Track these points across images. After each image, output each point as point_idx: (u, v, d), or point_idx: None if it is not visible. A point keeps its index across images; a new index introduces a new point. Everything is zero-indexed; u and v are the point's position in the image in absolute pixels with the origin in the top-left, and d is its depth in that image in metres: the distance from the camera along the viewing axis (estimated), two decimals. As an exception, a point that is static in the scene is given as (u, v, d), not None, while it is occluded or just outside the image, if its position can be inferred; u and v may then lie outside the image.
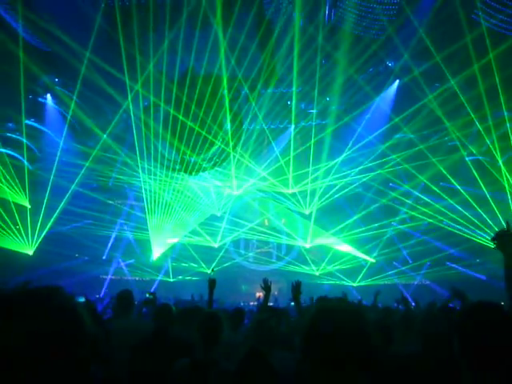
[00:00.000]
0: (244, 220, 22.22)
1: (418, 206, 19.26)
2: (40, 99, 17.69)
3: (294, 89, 15.64)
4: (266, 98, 17.30)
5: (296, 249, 23.71)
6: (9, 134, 17.82)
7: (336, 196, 20.57)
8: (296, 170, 19.49)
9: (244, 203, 22.01)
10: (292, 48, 13.61)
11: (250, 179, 20.01)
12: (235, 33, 12.86)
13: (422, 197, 18.98)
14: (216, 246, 22.38)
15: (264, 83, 15.74)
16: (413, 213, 19.55)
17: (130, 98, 14.37)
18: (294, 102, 17.50)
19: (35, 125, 18.02)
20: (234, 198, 21.17)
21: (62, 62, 14.27)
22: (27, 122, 17.13)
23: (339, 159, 19.14)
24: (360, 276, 22.05)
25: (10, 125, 17.98)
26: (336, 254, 22.78)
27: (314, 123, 18.40)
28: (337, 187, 20.30)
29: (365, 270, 21.97)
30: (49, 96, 17.87)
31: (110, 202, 20.32)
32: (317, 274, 22.84)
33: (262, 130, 18.32)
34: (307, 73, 15.69)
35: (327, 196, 20.59)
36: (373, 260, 21.79)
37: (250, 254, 24.04)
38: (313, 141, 18.06)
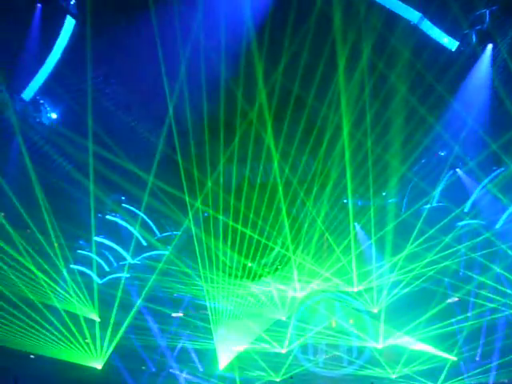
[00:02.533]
0: (310, 323, 21.46)
1: (496, 297, 18.05)
2: (108, 216, 18.87)
3: (349, 191, 15.81)
4: (325, 198, 17.53)
5: (368, 351, 22.32)
6: (80, 251, 18.92)
7: (404, 292, 19.68)
8: (359, 267, 19.08)
9: (308, 306, 21.41)
10: (343, 153, 14.01)
11: (313, 280, 19.67)
12: (286, 144, 13.50)
13: (499, 286, 17.85)
14: (284, 351, 21.53)
15: (319, 186, 16.09)
16: (491, 305, 18.27)
17: (190, 215, 15.07)
18: (350, 200, 17.58)
19: (104, 241, 19.04)
20: (299, 301, 20.70)
21: (127, 182, 15.43)
22: (96, 238, 18.18)
23: (403, 254, 18.63)
24: (442, 377, 20.24)
25: (82, 242, 19.14)
26: (412, 354, 21.19)
27: (372, 220, 18.30)
28: (404, 282, 19.50)
29: (446, 369, 20.20)
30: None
31: (174, 313, 20.44)
32: (393, 376, 21.22)
33: (322, 231, 18.34)
34: (361, 173, 15.95)
35: (395, 293, 19.75)
36: (454, 358, 20.08)
37: (320, 360, 22.81)
38: (374, 238, 17.86)
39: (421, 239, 18.04)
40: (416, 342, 20.52)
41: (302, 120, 13.60)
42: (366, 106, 13.64)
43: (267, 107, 13.13)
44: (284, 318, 21.10)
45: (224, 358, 20.58)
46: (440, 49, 14.09)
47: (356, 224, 18.40)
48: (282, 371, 20.53)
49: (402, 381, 20.98)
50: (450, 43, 13.91)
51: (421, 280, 19.25)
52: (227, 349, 20.54)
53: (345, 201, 18.52)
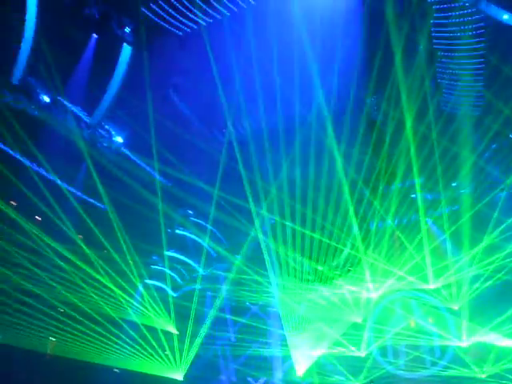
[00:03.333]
0: (387, 325, 20.84)
1: None
2: (177, 231, 19.40)
3: (417, 185, 15.28)
4: (393, 195, 17.09)
5: (451, 350, 21.31)
6: (153, 266, 19.56)
7: (485, 286, 18.67)
8: (434, 263, 18.35)
9: (384, 306, 20.82)
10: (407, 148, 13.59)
11: (387, 280, 19.12)
12: (348, 145, 13.33)
13: None
14: (362, 355, 21.05)
15: (385, 182, 15.70)
16: None
17: (257, 224, 15.19)
18: (418, 195, 16.99)
19: (176, 255, 19.58)
20: (373, 302, 20.20)
21: (193, 197, 15.82)
22: (168, 253, 18.72)
23: (480, 246, 17.70)
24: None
25: (154, 257, 19.79)
26: (501, 351, 20.00)
27: (446, 210, 17.59)
28: (484, 276, 18.51)
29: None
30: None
31: (248, 321, 20.59)
32: (482, 376, 20.10)
33: (392, 228, 17.85)
34: (428, 166, 15.40)
35: (476, 287, 18.78)
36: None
37: (401, 362, 22.07)
38: (448, 231, 17.15)
39: (498, 229, 17.10)
40: (504, 339, 19.38)
41: (362, 118, 13.32)
42: (427, 97, 13.15)
43: (326, 108, 13.01)
44: (359, 321, 20.65)
45: (301, 364, 20.42)
46: (502, 28, 13.35)
47: (428, 219, 17.74)
48: (362, 375, 20.06)
49: (492, 381, 19.85)
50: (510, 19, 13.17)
51: (503, 272, 18.24)
52: (304, 355, 20.38)
53: (413, 196, 17.94)
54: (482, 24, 13.48)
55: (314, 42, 12.34)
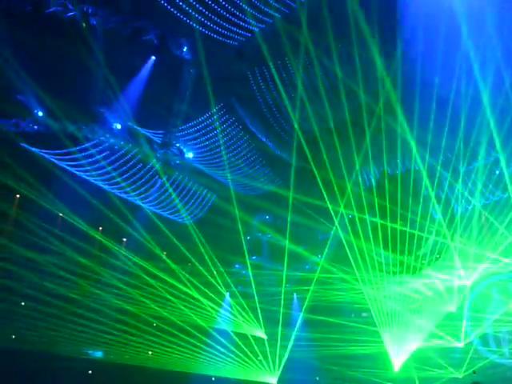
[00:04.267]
0: (485, 312, 19.72)
1: None
2: (259, 236, 19.65)
3: (502, 161, 14.34)
4: (476, 175, 16.20)
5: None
6: (238, 274, 19.91)
7: None
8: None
9: (479, 293, 19.72)
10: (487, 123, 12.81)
11: (479, 265, 18.11)
12: (421, 129, 12.81)
13: None
14: (461, 345, 20.05)
15: (466, 164, 14.92)
16: None
17: (336, 221, 15.01)
18: (506, 170, 15.91)
19: (257, 261, 19.81)
20: (467, 289, 19.20)
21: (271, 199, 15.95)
22: (250, 259, 18.98)
23: None
24: None
25: (237, 266, 20.17)
26: None
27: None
28: None
29: None
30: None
31: (336, 320, 20.33)
32: None
33: (479, 210, 16.90)
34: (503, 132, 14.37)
35: None
36: None
37: (505, 349, 20.77)
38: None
39: None
40: None
41: (433, 100, 12.74)
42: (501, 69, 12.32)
43: (394, 97, 12.60)
44: (454, 310, 19.74)
45: (397, 360, 19.83)
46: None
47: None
48: (464, 367, 19.12)
49: None
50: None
51: None
52: (399, 350, 19.77)
53: (497, 172, 16.90)
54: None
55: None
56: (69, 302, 16.63)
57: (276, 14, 13.27)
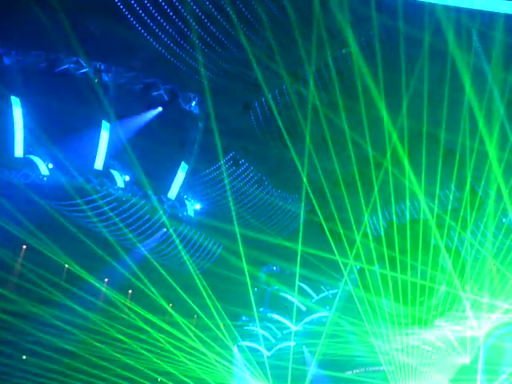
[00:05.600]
0: (500, 364, 19.12)
1: None
2: (264, 287, 19.36)
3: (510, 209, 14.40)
4: (487, 226, 16.18)
5: None
6: (244, 328, 19.48)
7: None
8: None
9: (493, 344, 19.21)
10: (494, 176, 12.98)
11: (491, 314, 17.74)
12: (428, 179, 12.94)
13: None
14: (479, 400, 19.34)
15: (475, 214, 14.96)
16: None
17: (345, 273, 14.89)
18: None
19: (265, 313, 19.46)
20: (480, 340, 18.73)
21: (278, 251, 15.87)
22: (258, 313, 18.64)
23: None
24: None
25: (244, 318, 19.76)
26: None
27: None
28: None
29: None
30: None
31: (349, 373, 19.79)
32: None
33: (490, 259, 16.77)
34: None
35: None
36: None
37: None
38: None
39: None
40: None
41: (440, 153, 12.97)
42: (506, 125, 12.60)
43: (401, 149, 12.82)
44: (468, 362, 19.18)
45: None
46: None
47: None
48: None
49: None
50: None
51: None
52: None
53: (503, 220, 16.89)
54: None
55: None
56: (71, 357, 16.27)
57: (282, 73, 13.69)
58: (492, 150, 12.27)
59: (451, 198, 14.26)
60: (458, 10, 11.31)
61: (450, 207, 14.79)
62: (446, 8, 11.14)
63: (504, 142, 12.82)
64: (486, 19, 12.19)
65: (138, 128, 15.07)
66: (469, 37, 12.07)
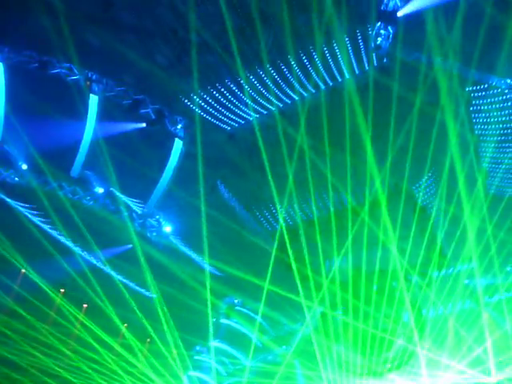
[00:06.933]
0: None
1: None
2: (222, 322, 19.08)
3: (476, 270, 14.78)
4: (442, 281, 16.48)
5: None
6: (197, 358, 19.06)
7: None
8: (497, 355, 17.09)
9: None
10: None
11: (446, 374, 17.85)
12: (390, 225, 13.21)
13: None
14: None
15: (434, 266, 15.28)
16: None
17: (308, 316, 14.84)
18: (475, 281, 16.32)
19: (219, 346, 19.09)
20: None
21: (242, 284, 15.72)
22: (212, 343, 18.28)
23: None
24: None
25: (198, 348, 19.34)
26: None
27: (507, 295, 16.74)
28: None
29: None
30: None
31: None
32: None
33: (446, 317, 17.01)
34: (481, 246, 14.92)
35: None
36: None
37: None
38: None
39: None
40: None
41: (416, 211, 13.32)
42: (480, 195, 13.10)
43: (379, 201, 13.07)
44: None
45: None
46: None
47: (487, 309, 16.85)
48: None
49: None
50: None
51: None
52: None
53: (466, 281, 17.22)
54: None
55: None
56: (9, 367, 15.55)
57: (271, 107, 13.88)
58: (466, 215, 12.66)
59: (421, 255, 14.51)
60: (451, 74, 11.77)
61: (418, 264, 15.02)
62: (443, 69, 11.57)
63: (479, 209, 13.27)
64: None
65: (115, 133, 14.91)
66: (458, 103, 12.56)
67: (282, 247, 14.53)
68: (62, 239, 16.54)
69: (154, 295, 16.78)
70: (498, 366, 17.32)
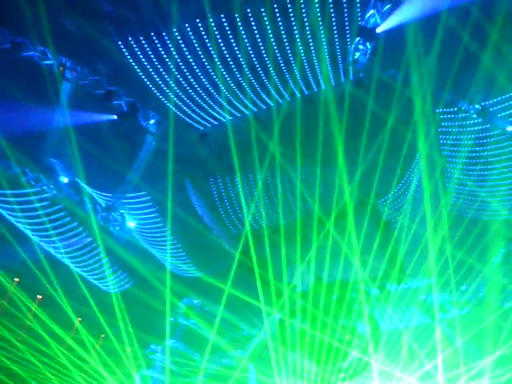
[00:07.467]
0: None
1: None
2: (180, 320, 18.88)
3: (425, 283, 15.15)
4: (400, 295, 16.81)
5: None
6: (151, 357, 18.80)
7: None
8: (446, 370, 17.56)
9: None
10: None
11: (398, 387, 18.25)
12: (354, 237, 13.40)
13: None
14: None
15: (393, 280, 15.58)
16: None
17: (267, 321, 14.85)
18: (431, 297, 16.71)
19: (175, 346, 18.89)
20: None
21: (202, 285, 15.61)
22: (168, 343, 18.07)
23: (492, 357, 17.03)
24: None
25: (153, 347, 19.09)
26: None
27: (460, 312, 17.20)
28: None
29: None
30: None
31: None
32: None
33: (401, 330, 17.37)
34: (439, 264, 15.30)
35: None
36: None
37: None
38: (461, 338, 16.64)
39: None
40: None
41: (380, 226, 13.56)
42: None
43: (345, 212, 13.23)
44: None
45: None
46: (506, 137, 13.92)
47: (441, 324, 17.30)
48: None
49: None
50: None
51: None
52: None
53: (422, 297, 17.66)
54: (486, 133, 14.01)
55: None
56: None
57: (246, 111, 13.86)
58: (428, 233, 12.98)
59: (381, 269, 14.77)
60: (424, 94, 12.04)
61: (379, 277, 15.29)
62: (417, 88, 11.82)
63: (441, 229, 13.63)
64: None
65: (85, 122, 14.57)
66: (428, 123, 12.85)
67: (245, 251, 14.51)
68: (20, 226, 16.04)
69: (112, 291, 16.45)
70: (447, 382, 17.82)
